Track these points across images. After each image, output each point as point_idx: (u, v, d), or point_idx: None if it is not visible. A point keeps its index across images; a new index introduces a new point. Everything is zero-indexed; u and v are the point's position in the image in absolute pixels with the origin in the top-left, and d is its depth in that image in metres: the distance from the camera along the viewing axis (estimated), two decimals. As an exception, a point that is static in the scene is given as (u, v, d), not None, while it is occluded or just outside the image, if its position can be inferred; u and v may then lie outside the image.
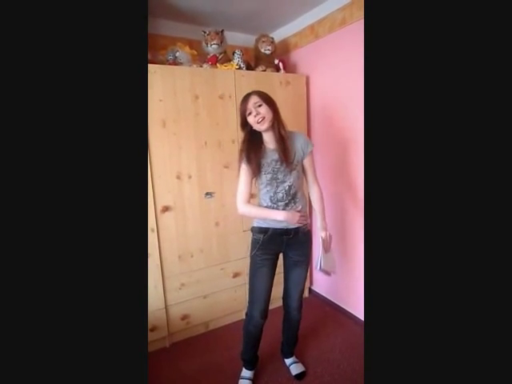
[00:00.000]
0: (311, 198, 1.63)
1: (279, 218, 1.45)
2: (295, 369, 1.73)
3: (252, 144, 1.46)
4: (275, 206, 1.49)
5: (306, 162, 1.54)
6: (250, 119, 1.41)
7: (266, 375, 1.73)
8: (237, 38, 2.34)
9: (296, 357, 1.80)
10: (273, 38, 2.21)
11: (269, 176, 1.46)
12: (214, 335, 2.12)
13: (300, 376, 1.70)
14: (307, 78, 2.31)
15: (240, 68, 2.04)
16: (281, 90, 2.17)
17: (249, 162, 1.44)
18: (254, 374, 1.70)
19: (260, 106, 1.38)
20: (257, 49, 2.19)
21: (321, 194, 1.62)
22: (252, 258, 1.55)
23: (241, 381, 1.67)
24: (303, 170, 1.56)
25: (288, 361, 1.79)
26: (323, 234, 1.59)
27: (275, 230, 1.50)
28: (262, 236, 1.51)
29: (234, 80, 1.99)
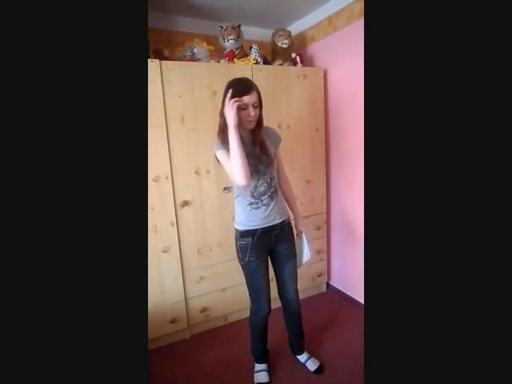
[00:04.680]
0: (284, 192, 1.61)
1: (229, 121, 1.25)
2: (312, 364, 1.71)
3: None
4: (259, 201, 1.42)
5: (277, 155, 1.52)
6: (242, 113, 1.30)
7: (281, 369, 1.74)
8: (253, 33, 2.34)
9: (308, 352, 1.78)
10: (290, 32, 2.19)
11: (250, 168, 1.32)
12: (232, 328, 2.16)
13: (319, 371, 1.68)
14: (325, 72, 2.28)
15: (257, 63, 2.04)
16: (298, 84, 2.16)
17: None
18: (268, 367, 1.71)
19: (256, 107, 1.33)
20: (274, 43, 2.18)
21: (291, 187, 1.64)
22: (246, 264, 1.49)
23: (257, 374, 1.67)
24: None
25: (302, 358, 1.76)
26: (303, 229, 1.65)
27: (263, 229, 1.45)
28: (250, 239, 1.45)
29: (251, 75, 1.98)
